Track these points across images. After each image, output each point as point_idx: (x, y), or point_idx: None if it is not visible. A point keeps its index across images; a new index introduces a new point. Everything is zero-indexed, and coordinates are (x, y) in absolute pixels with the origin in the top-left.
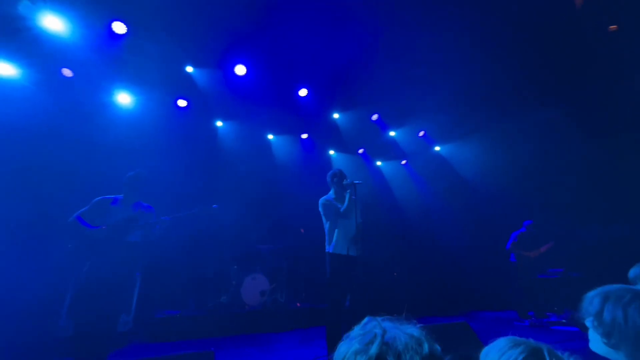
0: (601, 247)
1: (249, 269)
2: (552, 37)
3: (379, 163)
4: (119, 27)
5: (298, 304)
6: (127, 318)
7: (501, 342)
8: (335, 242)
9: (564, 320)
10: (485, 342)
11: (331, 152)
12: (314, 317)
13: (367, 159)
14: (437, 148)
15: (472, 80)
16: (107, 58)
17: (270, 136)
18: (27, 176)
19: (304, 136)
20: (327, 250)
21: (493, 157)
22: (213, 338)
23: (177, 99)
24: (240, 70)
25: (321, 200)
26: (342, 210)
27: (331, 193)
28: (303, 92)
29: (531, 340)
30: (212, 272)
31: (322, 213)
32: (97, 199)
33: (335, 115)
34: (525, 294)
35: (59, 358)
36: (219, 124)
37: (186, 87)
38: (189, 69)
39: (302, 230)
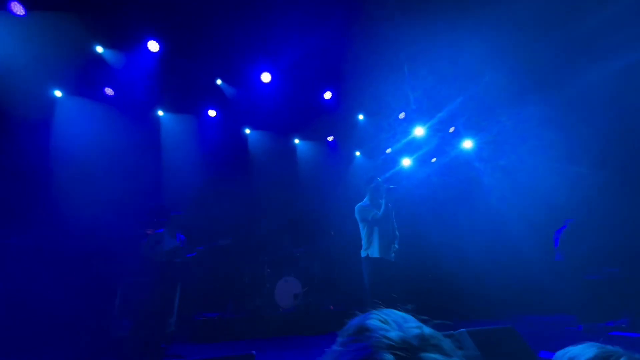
0: None
1: (282, 272)
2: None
3: (407, 162)
4: (153, 46)
5: (331, 307)
6: (170, 320)
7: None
8: (373, 247)
9: (623, 326)
10: (535, 349)
11: (357, 153)
12: (347, 321)
13: (395, 158)
14: (468, 144)
15: (501, 75)
16: (145, 75)
17: (296, 140)
18: (77, 184)
19: (330, 139)
20: (364, 256)
21: (533, 153)
22: (250, 340)
23: (208, 109)
24: (265, 77)
25: (357, 207)
26: (378, 216)
27: (366, 199)
28: (327, 95)
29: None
30: (248, 276)
31: (358, 219)
32: (152, 232)
33: (360, 117)
34: (577, 296)
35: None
36: (247, 131)
37: (215, 98)
38: (218, 81)
39: (332, 233)
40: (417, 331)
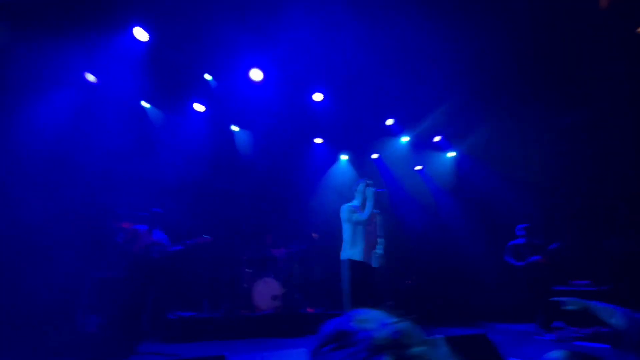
0: (632, 259)
1: (262, 272)
2: (574, 37)
3: (392, 169)
4: (141, 34)
5: (310, 310)
6: (143, 317)
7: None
8: (354, 249)
9: (589, 336)
10: (506, 356)
11: (344, 157)
12: (320, 326)
13: (382, 164)
14: (452, 154)
15: (489, 84)
16: (130, 64)
17: (283, 140)
18: (48, 177)
19: (319, 141)
20: (345, 258)
21: (512, 163)
22: (225, 341)
23: (194, 103)
24: (256, 75)
25: (344, 206)
26: (362, 218)
27: (355, 201)
28: (318, 97)
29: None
30: (226, 275)
31: (343, 219)
32: (131, 227)
33: (349, 120)
34: (538, 306)
35: (82, 358)
36: (235, 128)
37: (203, 93)
38: (207, 76)
39: (314, 235)
40: (395, 327)
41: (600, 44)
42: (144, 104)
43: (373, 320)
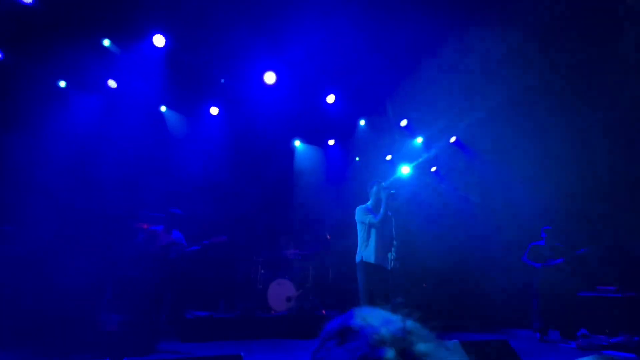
0: None
1: (276, 274)
2: (597, 34)
3: (407, 170)
4: (159, 40)
5: (324, 312)
6: (161, 317)
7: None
8: (368, 251)
9: (616, 345)
10: None
11: (357, 158)
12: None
13: (395, 165)
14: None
15: (504, 85)
16: (149, 70)
17: (297, 142)
18: (69, 180)
19: (331, 142)
20: (359, 260)
21: (534, 165)
22: (240, 341)
23: (210, 107)
24: (270, 79)
25: (358, 208)
26: (376, 220)
27: (369, 202)
28: (331, 98)
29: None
30: (241, 276)
31: (357, 220)
32: (150, 228)
33: (362, 122)
34: (546, 311)
35: (104, 355)
36: (248, 131)
37: (218, 96)
38: (222, 80)
39: (328, 237)
40: (400, 325)
41: (625, 43)
42: (162, 108)
43: (377, 317)
